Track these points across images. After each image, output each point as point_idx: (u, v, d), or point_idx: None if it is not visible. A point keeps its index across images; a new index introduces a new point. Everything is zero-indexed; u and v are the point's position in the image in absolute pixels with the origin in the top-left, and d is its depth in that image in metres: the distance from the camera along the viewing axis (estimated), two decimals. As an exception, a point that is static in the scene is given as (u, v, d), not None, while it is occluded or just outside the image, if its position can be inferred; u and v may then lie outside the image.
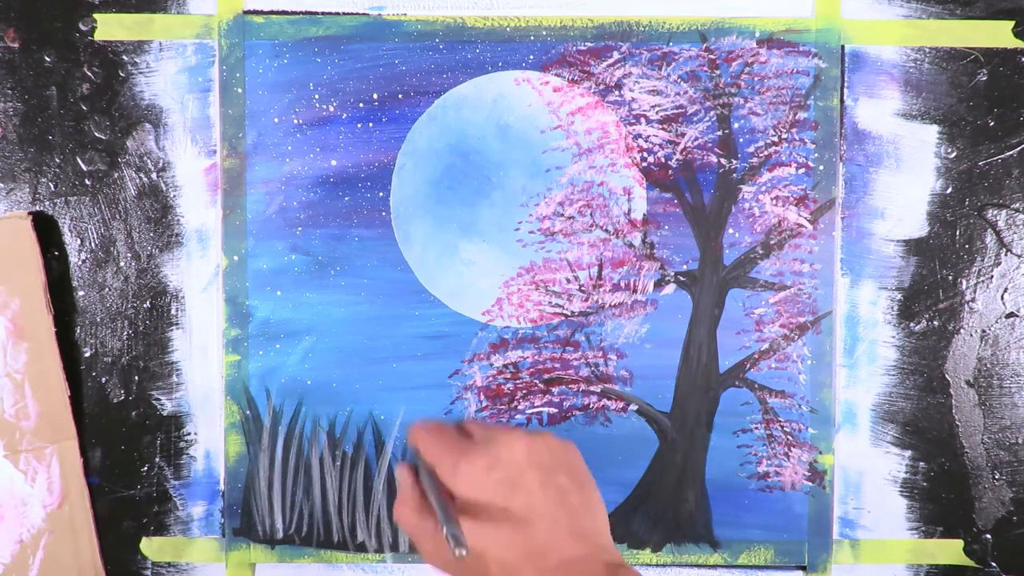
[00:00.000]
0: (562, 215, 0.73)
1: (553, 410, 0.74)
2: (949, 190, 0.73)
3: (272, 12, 0.73)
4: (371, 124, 0.73)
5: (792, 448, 0.74)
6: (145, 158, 0.73)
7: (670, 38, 0.73)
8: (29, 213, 0.71)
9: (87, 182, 0.73)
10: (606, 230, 0.73)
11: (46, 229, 0.73)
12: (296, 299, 0.74)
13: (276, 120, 0.73)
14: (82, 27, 0.73)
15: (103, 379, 0.74)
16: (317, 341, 0.74)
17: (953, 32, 0.72)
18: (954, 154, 0.73)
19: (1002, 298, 0.73)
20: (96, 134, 0.73)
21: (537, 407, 0.74)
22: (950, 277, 0.73)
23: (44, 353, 0.69)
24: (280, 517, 0.74)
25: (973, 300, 0.73)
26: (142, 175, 0.73)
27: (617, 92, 0.73)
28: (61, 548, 0.70)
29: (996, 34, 0.72)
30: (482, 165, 0.73)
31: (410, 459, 0.53)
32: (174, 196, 0.73)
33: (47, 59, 0.73)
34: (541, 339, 0.74)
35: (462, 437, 0.52)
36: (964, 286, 0.73)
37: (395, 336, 0.74)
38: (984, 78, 0.72)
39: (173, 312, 0.74)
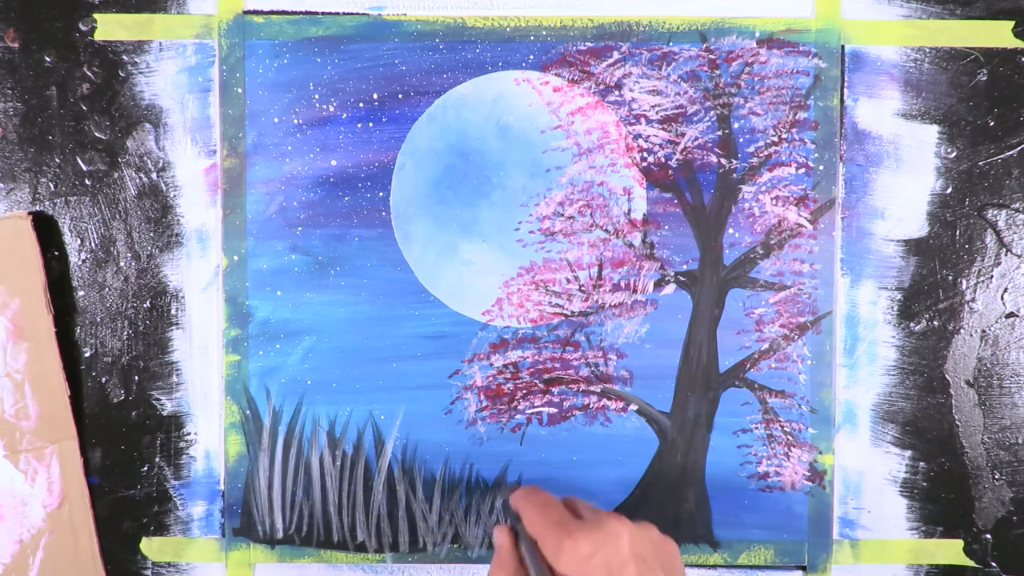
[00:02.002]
0: (562, 215, 0.73)
1: (553, 410, 0.73)
2: (949, 190, 0.72)
3: (272, 12, 0.72)
4: (371, 124, 0.73)
5: (792, 448, 0.73)
6: (145, 158, 0.73)
7: (670, 38, 0.72)
8: (29, 213, 0.71)
9: (87, 182, 0.73)
10: (606, 230, 0.73)
11: (46, 229, 0.72)
12: (296, 299, 0.73)
13: (276, 120, 0.72)
14: (82, 27, 0.72)
15: (103, 379, 0.73)
16: (317, 341, 0.73)
17: (953, 32, 0.72)
18: (954, 154, 0.72)
19: (1002, 298, 0.73)
20: (96, 134, 0.72)
21: (537, 407, 0.73)
22: (950, 277, 0.73)
23: (44, 353, 0.69)
24: (280, 517, 0.74)
25: (973, 300, 0.73)
26: (142, 175, 0.73)
27: (617, 92, 0.72)
28: (61, 548, 0.70)
29: (996, 34, 0.72)
30: (482, 165, 0.73)
31: (510, 522, 0.55)
32: (174, 196, 0.73)
33: (47, 59, 0.72)
34: (541, 339, 0.73)
35: (568, 515, 0.53)
36: (964, 286, 0.73)
37: (395, 336, 0.73)
38: (984, 78, 0.72)
39: (173, 312, 0.73)
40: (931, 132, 0.72)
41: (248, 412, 0.73)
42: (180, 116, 0.72)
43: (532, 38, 0.72)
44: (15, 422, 0.68)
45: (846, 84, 0.72)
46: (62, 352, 0.71)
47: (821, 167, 0.72)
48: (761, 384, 0.73)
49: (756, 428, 0.73)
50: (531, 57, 0.72)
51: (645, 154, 0.72)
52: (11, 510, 0.69)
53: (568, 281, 0.73)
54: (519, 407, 0.73)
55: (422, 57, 0.72)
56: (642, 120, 0.72)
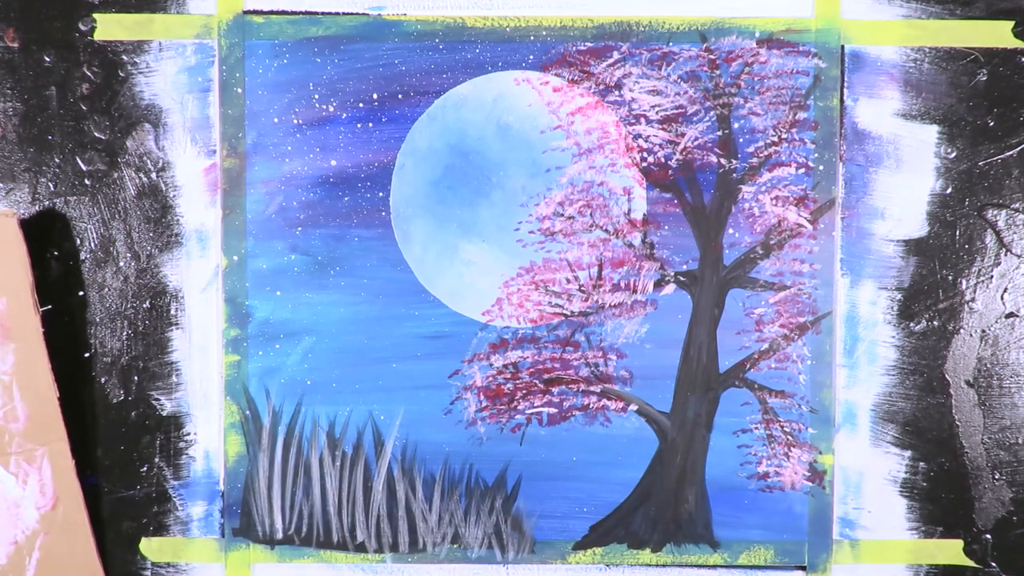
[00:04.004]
0: (562, 215, 0.69)
1: (553, 410, 0.70)
2: (949, 190, 0.69)
3: (272, 12, 0.69)
4: (371, 124, 0.69)
5: (792, 448, 0.70)
6: (145, 158, 0.69)
7: (670, 38, 0.69)
8: (15, 212, 0.67)
9: (87, 182, 0.69)
10: (606, 230, 0.69)
11: (47, 228, 0.69)
12: (296, 299, 0.70)
13: (276, 120, 0.69)
14: (82, 27, 0.69)
15: (103, 379, 0.69)
16: (317, 341, 0.70)
17: (953, 32, 0.68)
18: (954, 154, 0.69)
19: (1002, 298, 0.70)
20: (96, 134, 0.69)
21: (537, 407, 0.70)
22: (950, 277, 0.69)
23: (32, 354, 0.65)
24: (280, 517, 0.70)
25: (973, 300, 0.69)
26: (142, 175, 0.69)
27: (617, 92, 0.69)
28: (57, 549, 0.66)
29: (996, 34, 0.68)
30: (482, 165, 0.69)
31: None
32: (174, 196, 0.70)
33: (47, 59, 0.69)
34: (541, 339, 0.70)
35: None
36: (964, 286, 0.69)
37: (395, 336, 0.70)
38: (984, 78, 0.69)
39: (173, 312, 0.70)
40: (931, 132, 0.69)
41: (248, 412, 0.70)
42: (180, 116, 0.69)
43: (532, 38, 0.69)
44: (4, 424, 0.65)
45: (846, 84, 0.69)
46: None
47: (821, 167, 0.69)
48: (761, 384, 0.70)
49: (756, 428, 0.70)
50: (531, 57, 0.69)
51: (645, 154, 0.69)
52: (4, 512, 0.66)
53: (568, 281, 0.69)
54: (519, 407, 0.70)
55: (422, 57, 0.69)
56: (642, 120, 0.69)
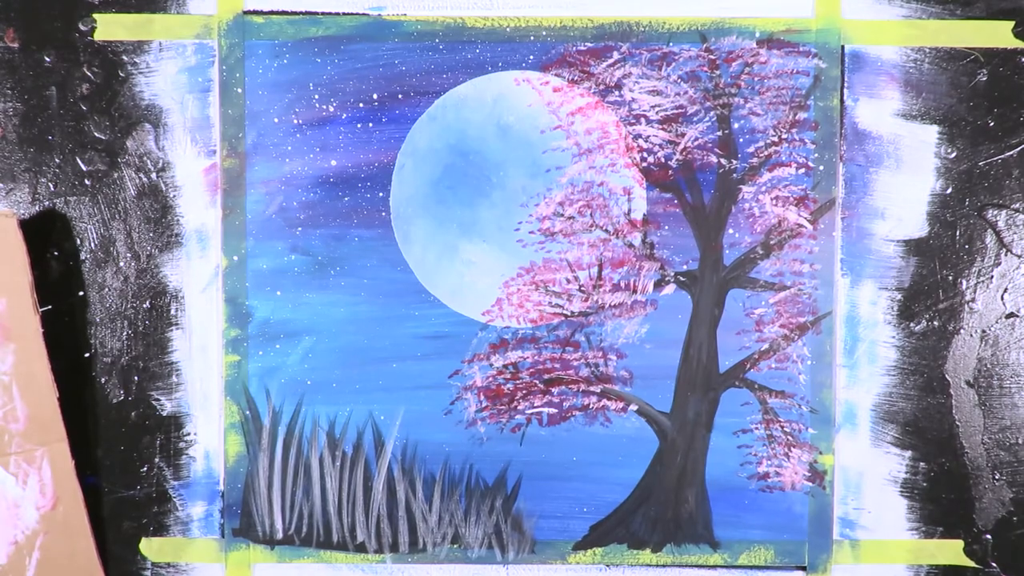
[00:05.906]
0: (562, 215, 0.69)
1: (553, 410, 0.70)
2: (949, 190, 0.69)
3: (272, 12, 0.69)
4: (371, 124, 0.69)
5: (792, 448, 0.70)
6: (145, 158, 0.69)
7: (670, 38, 0.69)
8: (15, 212, 0.67)
9: (87, 182, 0.69)
10: (606, 230, 0.69)
11: (47, 228, 0.69)
12: (296, 299, 0.70)
13: (276, 120, 0.69)
14: (82, 27, 0.69)
15: (103, 379, 0.69)
16: (317, 341, 0.70)
17: (953, 32, 0.68)
18: (954, 154, 0.69)
19: (1002, 298, 0.69)
20: (96, 134, 0.69)
21: (537, 407, 0.70)
22: (950, 277, 0.69)
23: (32, 354, 0.65)
24: (280, 517, 0.70)
25: (973, 300, 0.69)
26: (142, 175, 0.69)
27: (617, 92, 0.69)
28: (57, 549, 0.66)
29: (996, 34, 0.68)
30: (482, 165, 0.69)
31: None
32: (174, 196, 0.69)
33: (47, 59, 0.69)
34: (541, 339, 0.70)
35: None
36: (964, 286, 0.69)
37: (395, 336, 0.70)
38: (984, 78, 0.68)
39: (173, 312, 0.70)
40: (931, 132, 0.69)
41: (248, 412, 0.70)
42: (180, 116, 0.69)
43: (532, 38, 0.69)
44: (4, 424, 0.65)
45: (846, 84, 0.69)
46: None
47: (821, 167, 0.69)
48: (761, 384, 0.70)
49: (756, 428, 0.70)
50: (531, 57, 0.69)
51: (645, 154, 0.69)
52: (4, 512, 0.66)
53: (568, 281, 0.69)
54: (519, 407, 0.70)
55: (422, 57, 0.69)
56: (642, 120, 0.69)
